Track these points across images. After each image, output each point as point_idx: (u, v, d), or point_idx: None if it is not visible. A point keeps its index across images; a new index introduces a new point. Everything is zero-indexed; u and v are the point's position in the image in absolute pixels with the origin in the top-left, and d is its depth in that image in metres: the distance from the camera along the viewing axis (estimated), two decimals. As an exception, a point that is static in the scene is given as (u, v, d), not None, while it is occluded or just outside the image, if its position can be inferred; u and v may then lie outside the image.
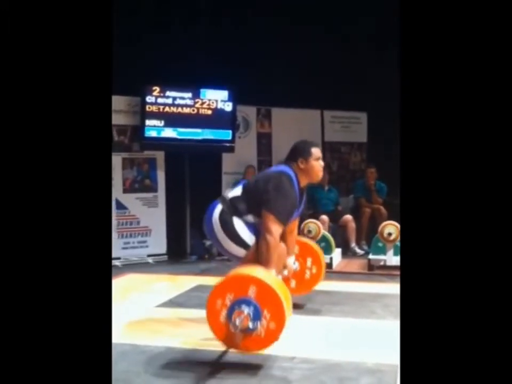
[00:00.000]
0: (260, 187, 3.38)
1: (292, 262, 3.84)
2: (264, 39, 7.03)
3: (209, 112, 6.62)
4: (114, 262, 6.18)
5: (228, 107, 6.68)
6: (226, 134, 6.72)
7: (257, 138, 7.57)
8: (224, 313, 2.75)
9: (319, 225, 5.99)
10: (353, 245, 7.03)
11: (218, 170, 7.11)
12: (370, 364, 2.87)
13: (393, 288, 4.48)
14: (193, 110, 6.54)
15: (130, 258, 6.53)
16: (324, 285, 5.02)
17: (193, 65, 6.55)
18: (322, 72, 7.30)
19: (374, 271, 5.77)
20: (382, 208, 7.21)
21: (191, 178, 6.85)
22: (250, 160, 7.29)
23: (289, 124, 7.48)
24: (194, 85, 6.56)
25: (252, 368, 2.85)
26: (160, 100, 6.39)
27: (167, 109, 6.42)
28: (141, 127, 6.37)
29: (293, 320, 3.66)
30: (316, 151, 3.53)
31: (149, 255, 6.67)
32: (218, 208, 3.38)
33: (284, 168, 3.46)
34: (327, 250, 5.98)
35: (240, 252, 3.34)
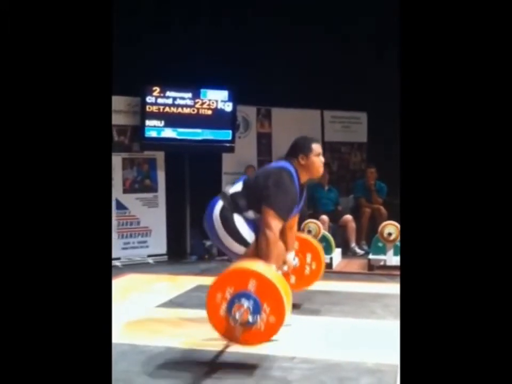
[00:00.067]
0: (260, 183, 3.38)
1: (292, 258, 3.83)
2: (264, 39, 7.03)
3: (209, 112, 6.62)
4: (115, 262, 6.18)
5: (228, 107, 6.68)
6: (226, 134, 6.72)
7: (257, 138, 7.57)
8: (224, 306, 2.75)
9: (319, 225, 6.00)
10: (353, 245, 7.03)
11: (218, 171, 7.11)
12: (370, 364, 2.87)
13: (393, 288, 4.47)
14: (193, 110, 6.54)
15: (131, 259, 6.53)
16: (324, 285, 5.02)
17: (193, 65, 6.55)
18: (322, 72, 7.30)
19: (374, 271, 5.76)
20: (382, 208, 7.21)
21: (191, 179, 6.85)
22: (250, 160, 7.29)
23: (289, 124, 7.47)
24: (194, 85, 6.56)
25: (251, 368, 2.85)
26: (160, 100, 6.39)
27: (167, 109, 6.42)
28: (141, 127, 6.37)
29: (293, 320, 3.68)
30: (316, 147, 3.53)
31: (149, 255, 6.67)
32: (219, 204, 3.38)
33: (284, 164, 3.46)
34: (327, 250, 5.98)
35: (240, 249, 3.34)
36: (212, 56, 6.69)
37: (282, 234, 3.56)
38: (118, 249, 6.35)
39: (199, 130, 6.58)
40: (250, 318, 2.69)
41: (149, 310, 4.13)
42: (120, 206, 6.48)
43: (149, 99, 6.33)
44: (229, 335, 2.80)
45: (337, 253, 6.27)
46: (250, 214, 3.35)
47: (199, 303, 4.26)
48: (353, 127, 8.24)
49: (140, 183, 6.67)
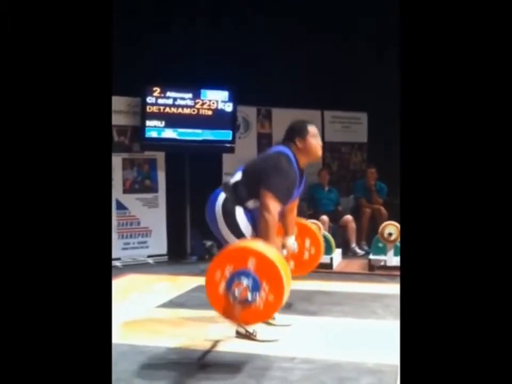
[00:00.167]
0: (258, 167, 3.37)
1: (292, 242, 3.81)
2: (264, 39, 7.03)
3: (210, 112, 6.61)
4: (115, 263, 6.18)
5: (228, 107, 6.68)
6: (226, 135, 6.72)
7: (257, 138, 7.57)
8: (223, 285, 2.75)
9: (320, 226, 5.99)
10: (353, 245, 7.03)
11: (218, 171, 7.11)
12: (370, 364, 2.87)
13: (393, 288, 4.47)
14: (194, 111, 6.54)
15: (131, 259, 6.52)
16: (324, 285, 5.03)
17: (193, 65, 6.54)
18: (322, 72, 7.30)
19: (375, 271, 5.76)
20: (382, 208, 7.20)
21: (191, 179, 6.85)
22: (250, 161, 7.27)
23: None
24: (194, 85, 6.56)
25: (251, 368, 2.85)
26: (160, 101, 6.39)
27: (167, 109, 6.42)
28: (141, 128, 6.37)
29: (293, 320, 3.68)
30: (312, 129, 3.51)
31: (149, 256, 6.67)
32: (222, 196, 3.36)
33: (282, 148, 3.45)
34: (328, 250, 5.96)
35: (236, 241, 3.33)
36: (212, 56, 6.69)
37: (283, 218, 3.55)
38: (118, 249, 6.35)
39: (199, 131, 6.58)
40: (249, 296, 2.69)
41: (149, 310, 4.14)
42: (120, 206, 6.47)
43: (149, 99, 6.33)
44: (228, 313, 2.79)
45: (337, 253, 6.27)
46: (251, 203, 3.33)
47: (199, 303, 4.27)
48: (353, 127, 8.24)
49: (140, 184, 6.67)
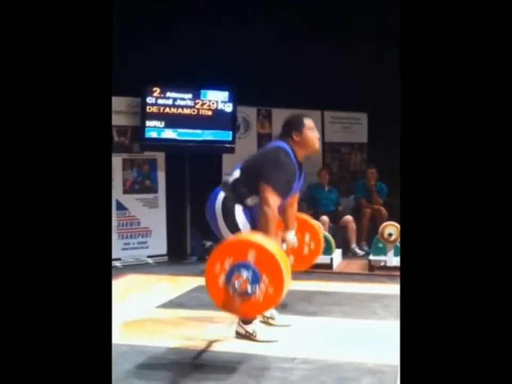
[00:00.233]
0: (257, 163, 3.37)
1: (292, 237, 3.78)
2: (264, 39, 7.02)
3: (210, 113, 6.61)
4: (115, 263, 6.17)
5: (228, 108, 6.68)
6: (226, 135, 6.72)
7: (257, 139, 7.56)
8: (223, 277, 2.74)
9: (320, 226, 5.98)
10: (353, 245, 7.03)
11: (218, 171, 7.10)
12: (370, 364, 2.87)
13: (393, 288, 4.47)
14: (194, 111, 6.54)
15: (131, 259, 6.52)
16: (324, 286, 5.03)
17: (193, 65, 6.54)
18: (322, 73, 7.30)
19: (375, 271, 5.76)
20: (382, 208, 7.20)
21: (191, 179, 6.85)
22: (250, 161, 7.27)
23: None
24: (194, 85, 6.56)
25: (251, 368, 2.85)
26: (160, 101, 6.39)
27: (167, 109, 6.42)
28: (141, 128, 6.37)
29: (293, 321, 3.68)
30: (309, 122, 3.50)
31: (149, 256, 6.67)
32: (221, 195, 3.34)
33: (279, 143, 3.44)
34: (328, 251, 5.97)
35: None
36: (212, 56, 6.69)
37: (283, 212, 3.54)
38: (118, 249, 6.34)
39: (199, 131, 6.58)
40: (249, 288, 2.69)
41: (149, 310, 4.13)
42: (120, 206, 6.47)
43: (149, 100, 6.33)
44: (227, 306, 2.79)
45: (337, 253, 6.27)
46: (250, 200, 3.31)
47: (199, 303, 4.27)
48: (353, 127, 8.24)
49: (140, 184, 6.67)
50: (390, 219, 6.37)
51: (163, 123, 6.41)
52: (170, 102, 6.42)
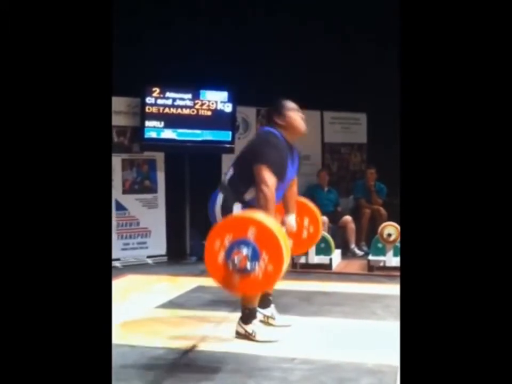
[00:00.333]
0: (247, 150, 3.35)
1: (292, 221, 3.70)
2: (264, 39, 7.02)
3: (209, 113, 6.61)
4: (114, 263, 6.16)
5: (228, 108, 6.67)
6: (226, 135, 6.72)
7: (257, 139, 7.55)
8: (222, 254, 2.73)
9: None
10: (353, 246, 7.03)
11: (218, 171, 7.09)
12: (370, 365, 2.87)
13: (393, 289, 4.47)
14: (193, 111, 6.54)
15: (130, 260, 6.52)
16: (323, 286, 5.04)
17: (193, 65, 6.54)
18: (322, 73, 7.29)
19: (374, 272, 5.76)
20: (381, 209, 7.20)
21: (191, 179, 6.85)
22: (250, 161, 7.27)
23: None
24: (194, 86, 6.55)
25: (251, 369, 2.85)
26: (160, 101, 6.38)
27: (166, 110, 6.42)
28: (140, 128, 6.36)
29: (293, 321, 3.68)
30: (289, 104, 3.49)
31: (148, 256, 6.66)
32: (220, 196, 3.33)
33: (265, 128, 3.44)
34: (327, 251, 5.98)
35: None
36: (212, 56, 6.69)
37: (283, 196, 3.51)
38: (117, 250, 6.33)
39: (198, 131, 6.57)
40: (248, 265, 2.68)
41: (148, 310, 4.13)
42: (120, 206, 6.46)
43: (149, 100, 6.32)
44: (226, 283, 2.78)
45: (336, 254, 6.27)
46: (248, 195, 3.27)
47: (199, 303, 4.28)
48: (353, 128, 8.23)
49: (140, 184, 6.67)
50: (389, 219, 6.37)
51: (162, 123, 6.41)
52: (169, 102, 6.42)
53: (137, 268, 6.29)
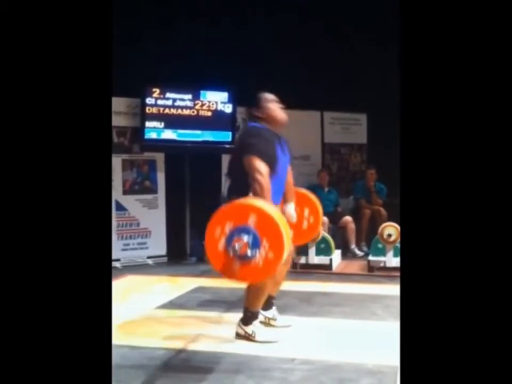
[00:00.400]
0: (234, 155, 3.35)
1: (291, 209, 3.67)
2: (264, 39, 7.02)
3: (209, 113, 6.61)
4: (114, 264, 6.16)
5: (228, 109, 6.67)
6: (226, 136, 6.72)
7: (257, 139, 7.54)
8: (223, 241, 2.73)
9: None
10: (353, 246, 7.03)
11: (218, 172, 7.09)
12: (370, 365, 2.87)
13: (393, 289, 4.47)
14: (193, 112, 6.54)
15: (130, 260, 6.51)
16: (323, 286, 5.03)
17: (193, 65, 6.54)
18: (322, 73, 7.29)
19: (374, 272, 5.76)
20: (381, 209, 7.20)
21: (191, 180, 6.85)
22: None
23: (289, 125, 7.41)
24: (194, 86, 6.56)
25: (252, 369, 2.85)
26: (160, 102, 6.38)
27: (167, 110, 6.42)
28: (141, 129, 6.36)
29: (293, 321, 3.68)
30: (266, 95, 3.48)
31: (148, 257, 6.66)
32: None
33: (248, 124, 3.47)
34: (327, 251, 5.98)
35: None
36: (212, 56, 6.69)
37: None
38: (117, 250, 6.33)
39: (199, 132, 6.57)
40: (249, 252, 2.67)
41: (148, 311, 4.13)
42: (120, 207, 6.46)
43: (149, 100, 6.32)
44: (227, 270, 2.77)
45: (337, 254, 6.27)
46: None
47: (199, 304, 4.28)
48: (353, 128, 8.23)
49: (140, 185, 6.66)
50: (389, 220, 6.37)
51: (163, 124, 6.41)
52: (170, 102, 6.42)
53: (137, 268, 6.29)
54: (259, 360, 2.97)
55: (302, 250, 5.69)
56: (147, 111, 6.32)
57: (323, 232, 6.04)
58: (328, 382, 2.68)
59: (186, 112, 6.50)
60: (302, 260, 5.89)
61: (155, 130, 6.38)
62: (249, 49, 6.95)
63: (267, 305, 3.58)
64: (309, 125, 7.83)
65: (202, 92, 6.56)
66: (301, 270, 5.80)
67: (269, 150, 3.22)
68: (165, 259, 6.75)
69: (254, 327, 3.29)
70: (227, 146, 6.71)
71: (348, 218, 7.11)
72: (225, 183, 3.46)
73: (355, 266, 6.25)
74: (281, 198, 3.43)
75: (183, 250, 6.86)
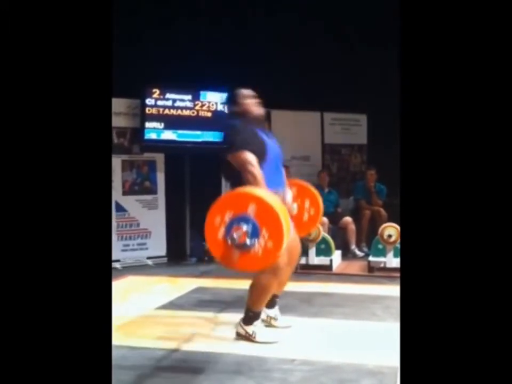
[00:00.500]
0: (224, 150, 3.33)
1: (288, 196, 3.59)
2: (264, 39, 7.02)
3: (209, 114, 6.61)
4: (114, 265, 6.16)
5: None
6: (226, 136, 6.71)
7: (257, 140, 7.54)
8: (222, 230, 2.73)
9: (319, 227, 5.98)
10: (353, 247, 7.02)
11: (218, 172, 7.09)
12: (370, 366, 2.87)
13: (393, 290, 4.47)
14: (193, 112, 6.53)
15: (130, 261, 6.51)
16: (324, 287, 5.03)
17: (193, 66, 6.53)
18: (322, 74, 7.29)
19: (374, 273, 5.75)
20: (382, 210, 7.20)
21: (191, 181, 6.85)
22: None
23: (289, 126, 7.45)
24: (194, 87, 6.55)
25: (251, 369, 2.85)
26: (160, 102, 6.38)
27: (166, 111, 6.41)
28: (140, 129, 6.36)
29: (293, 322, 3.68)
30: (243, 91, 3.49)
31: (148, 257, 6.65)
32: None
33: (229, 121, 3.49)
34: (327, 252, 5.98)
35: None
36: (212, 56, 6.69)
37: None
38: (117, 251, 6.33)
39: (198, 132, 6.57)
40: (248, 241, 2.67)
41: (148, 312, 4.13)
42: (120, 208, 6.46)
43: (149, 101, 6.32)
44: (226, 259, 2.77)
45: (337, 255, 6.26)
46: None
47: (199, 304, 4.27)
48: (353, 129, 8.24)
49: (140, 185, 6.66)
50: (389, 220, 6.37)
51: (162, 124, 6.40)
52: (169, 103, 6.42)
53: (137, 269, 6.29)
54: (259, 361, 2.97)
55: (302, 251, 5.67)
56: (147, 111, 6.32)
57: (323, 233, 6.03)
58: (328, 382, 2.68)
59: (186, 112, 6.50)
60: (302, 261, 5.89)
61: (155, 131, 6.38)
62: (249, 49, 6.95)
63: (271, 304, 3.58)
64: (309, 126, 7.83)
65: (202, 93, 6.55)
66: (301, 271, 5.79)
67: (253, 140, 3.22)
68: (165, 260, 6.75)
69: (255, 327, 3.28)
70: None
71: (348, 219, 7.10)
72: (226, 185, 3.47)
73: (355, 267, 6.25)
74: (282, 181, 3.40)
75: (183, 251, 6.86)
